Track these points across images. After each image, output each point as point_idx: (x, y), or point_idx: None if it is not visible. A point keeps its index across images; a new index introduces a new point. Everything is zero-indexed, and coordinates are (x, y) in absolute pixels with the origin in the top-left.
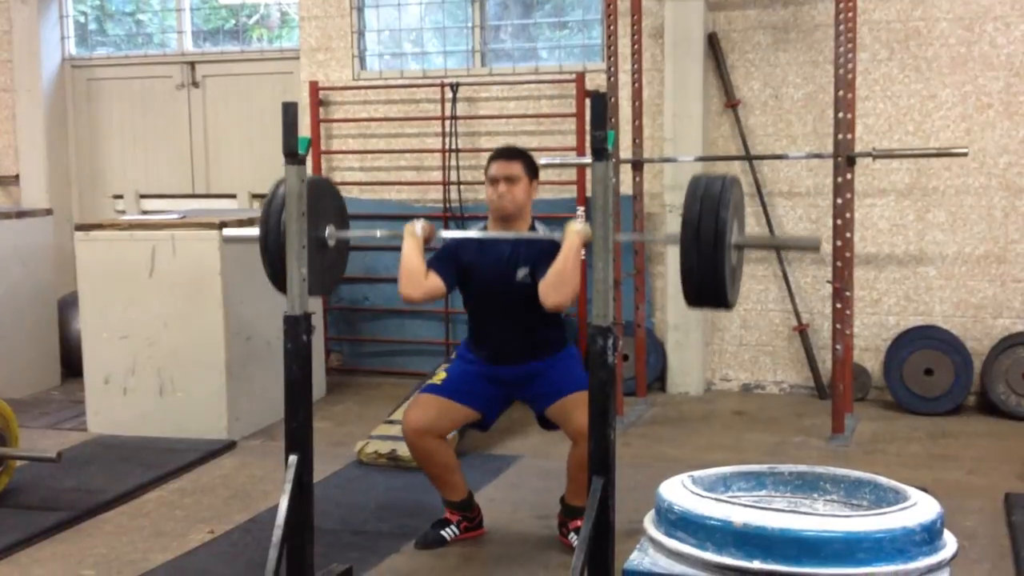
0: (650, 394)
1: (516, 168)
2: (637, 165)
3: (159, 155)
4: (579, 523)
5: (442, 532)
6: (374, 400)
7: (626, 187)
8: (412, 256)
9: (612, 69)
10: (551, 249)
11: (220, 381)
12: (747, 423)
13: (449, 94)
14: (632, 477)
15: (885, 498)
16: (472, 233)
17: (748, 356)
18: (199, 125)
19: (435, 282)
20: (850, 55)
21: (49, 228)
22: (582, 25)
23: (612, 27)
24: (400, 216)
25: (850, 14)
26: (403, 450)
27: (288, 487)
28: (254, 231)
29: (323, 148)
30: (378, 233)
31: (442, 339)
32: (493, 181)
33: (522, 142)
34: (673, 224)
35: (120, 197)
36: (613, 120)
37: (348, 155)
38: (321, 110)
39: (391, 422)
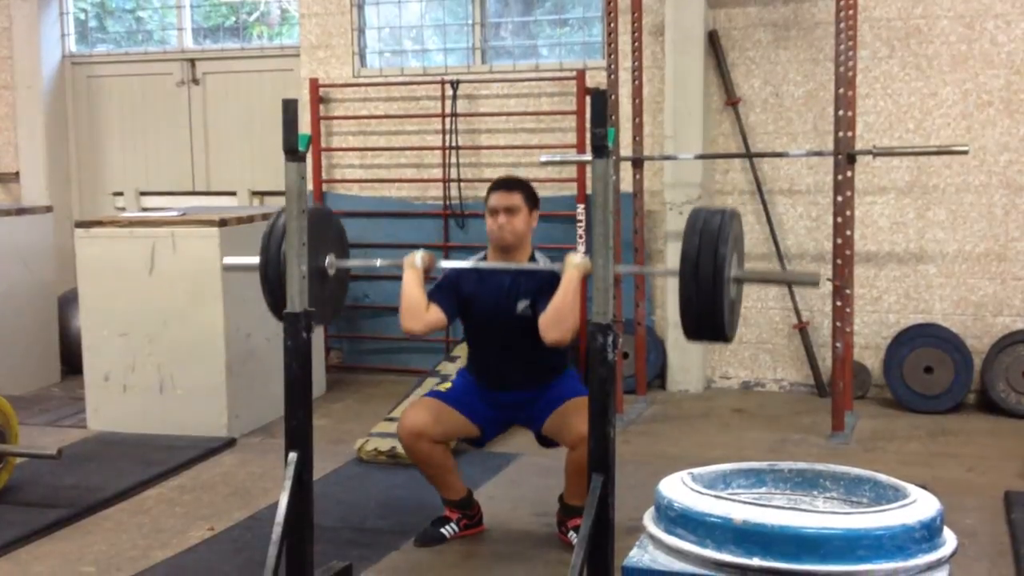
0: (650, 392)
1: (516, 199)
2: (637, 162)
3: (159, 152)
4: (578, 521)
5: (442, 530)
6: (374, 398)
7: (626, 184)
8: (413, 289)
9: (612, 66)
10: (552, 281)
11: (220, 378)
12: (747, 421)
13: (449, 91)
14: (632, 475)
15: (885, 495)
16: (472, 264)
17: (748, 354)
18: (199, 122)
19: (436, 314)
20: (851, 53)
21: (49, 225)
22: (582, 22)
23: (612, 24)
24: (400, 214)
25: (851, 11)
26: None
27: (288, 484)
28: (254, 259)
29: (323, 145)
30: (378, 263)
31: (442, 336)
32: (493, 212)
33: (522, 139)
34: (673, 222)
35: (120, 194)
36: (613, 117)
37: (348, 152)
38: (321, 107)
39: (391, 419)
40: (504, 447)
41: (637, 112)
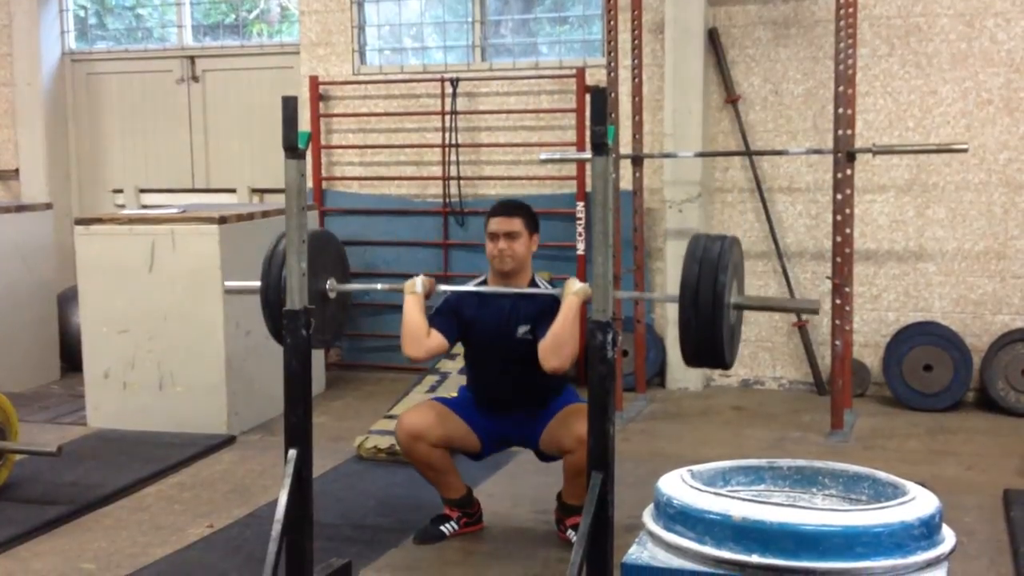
0: (649, 390)
1: (516, 224)
2: (637, 160)
3: (159, 149)
4: (576, 520)
5: (441, 527)
6: (373, 395)
7: (626, 182)
8: (414, 315)
9: (612, 64)
10: (552, 305)
11: (220, 376)
12: (746, 419)
13: (449, 89)
14: (631, 472)
15: (884, 493)
16: (472, 288)
17: (747, 352)
18: (199, 119)
19: (438, 340)
20: (850, 51)
21: (49, 222)
22: (582, 20)
23: (612, 22)
24: (399, 212)
25: (850, 9)
26: None
27: (287, 482)
28: (255, 283)
29: (323, 143)
30: (379, 286)
31: None
32: (493, 237)
33: (522, 137)
34: (673, 220)
35: (120, 191)
36: (613, 115)
37: (348, 150)
38: (321, 105)
39: (390, 417)
40: None
41: (637, 110)
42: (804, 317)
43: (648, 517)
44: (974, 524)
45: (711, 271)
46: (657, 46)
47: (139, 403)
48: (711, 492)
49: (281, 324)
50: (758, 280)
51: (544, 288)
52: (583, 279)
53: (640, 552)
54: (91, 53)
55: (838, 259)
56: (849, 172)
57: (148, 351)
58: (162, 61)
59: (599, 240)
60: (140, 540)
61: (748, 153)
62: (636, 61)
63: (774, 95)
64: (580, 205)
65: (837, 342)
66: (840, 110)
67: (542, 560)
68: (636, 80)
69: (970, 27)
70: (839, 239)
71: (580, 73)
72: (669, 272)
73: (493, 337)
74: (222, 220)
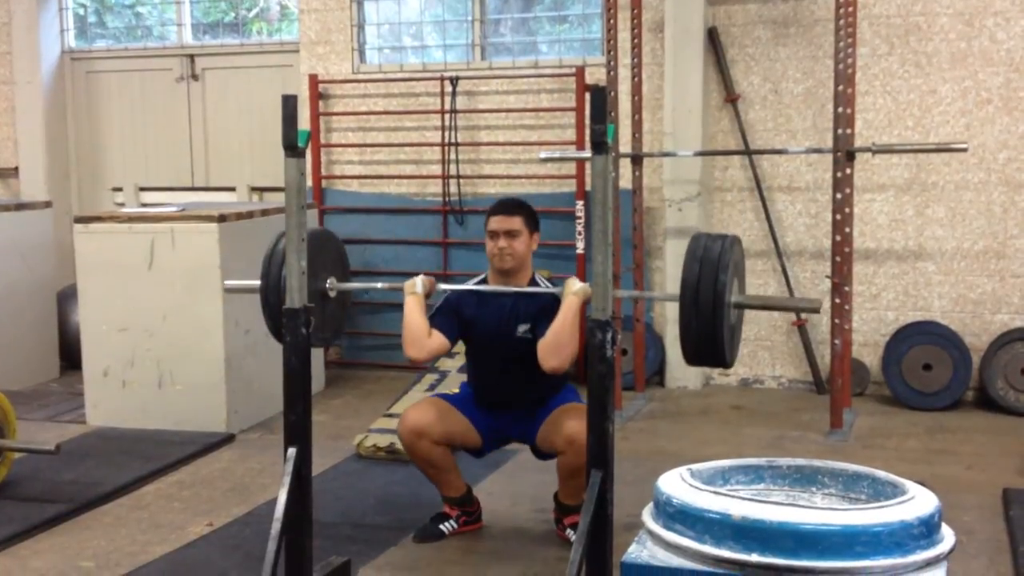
0: (649, 388)
1: (516, 222)
2: (637, 159)
3: (158, 148)
4: (575, 519)
5: (441, 526)
6: (373, 394)
7: (625, 181)
8: (415, 316)
9: (612, 63)
10: (552, 304)
11: (219, 374)
12: (746, 418)
13: (449, 88)
14: (630, 471)
15: (883, 492)
16: (473, 287)
17: (747, 351)
18: (198, 118)
19: (439, 341)
20: (850, 50)
21: (48, 221)
22: (582, 19)
23: (612, 21)
24: (399, 210)
25: (850, 9)
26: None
27: (287, 480)
28: (255, 283)
29: (322, 141)
30: (379, 285)
31: None
32: (493, 235)
33: (521, 136)
34: (672, 218)
35: (119, 190)
36: (613, 114)
37: (347, 148)
38: (320, 103)
39: (390, 415)
40: None
41: (636, 109)
42: (803, 316)
43: (647, 516)
44: (973, 523)
45: (712, 270)
46: (657, 45)
47: (138, 401)
48: (710, 491)
49: (281, 322)
50: (758, 279)
51: (544, 287)
52: (583, 278)
53: (639, 551)
54: (91, 51)
55: (837, 258)
56: (849, 171)
57: (147, 349)
58: (162, 59)
59: (599, 239)
60: (139, 538)
61: (748, 152)
62: (636, 60)
63: (774, 94)
64: (580, 204)
65: (836, 341)
66: (839, 109)
67: (541, 559)
68: (636, 79)
69: (970, 26)
70: (838, 238)
71: (580, 72)
72: (668, 271)
73: (493, 336)
74: (222, 219)
